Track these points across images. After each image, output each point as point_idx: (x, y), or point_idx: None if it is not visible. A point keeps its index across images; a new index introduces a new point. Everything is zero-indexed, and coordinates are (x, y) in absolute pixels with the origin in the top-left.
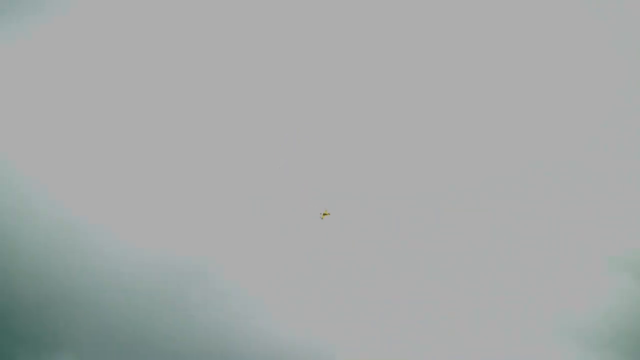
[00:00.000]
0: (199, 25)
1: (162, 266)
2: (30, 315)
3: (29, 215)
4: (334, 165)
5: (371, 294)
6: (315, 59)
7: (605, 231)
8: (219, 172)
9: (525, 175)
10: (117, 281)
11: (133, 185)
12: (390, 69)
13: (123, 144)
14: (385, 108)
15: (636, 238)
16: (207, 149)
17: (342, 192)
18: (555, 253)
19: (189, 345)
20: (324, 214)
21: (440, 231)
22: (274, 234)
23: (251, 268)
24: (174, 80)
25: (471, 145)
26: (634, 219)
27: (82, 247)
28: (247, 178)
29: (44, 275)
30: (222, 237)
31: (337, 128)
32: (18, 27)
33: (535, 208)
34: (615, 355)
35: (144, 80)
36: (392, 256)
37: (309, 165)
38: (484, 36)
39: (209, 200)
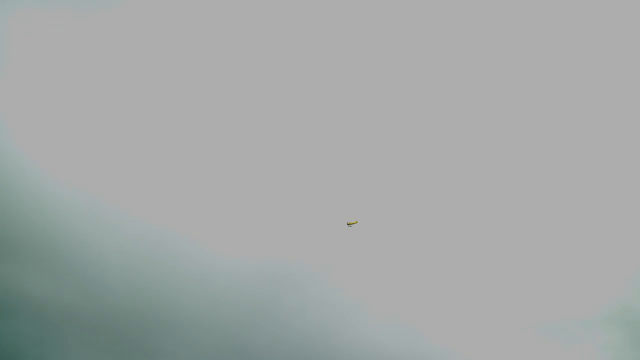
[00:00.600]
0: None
1: (255, 274)
2: (125, 329)
3: (119, 229)
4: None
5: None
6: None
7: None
8: (309, 178)
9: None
10: (210, 292)
11: (222, 193)
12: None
13: (208, 153)
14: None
15: None
16: (296, 157)
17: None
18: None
19: (286, 353)
20: (351, 223)
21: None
22: (370, 237)
23: (350, 272)
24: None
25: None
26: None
27: (172, 258)
28: (336, 185)
29: (137, 289)
30: (317, 243)
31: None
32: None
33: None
34: (615, 339)
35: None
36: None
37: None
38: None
39: (302, 206)
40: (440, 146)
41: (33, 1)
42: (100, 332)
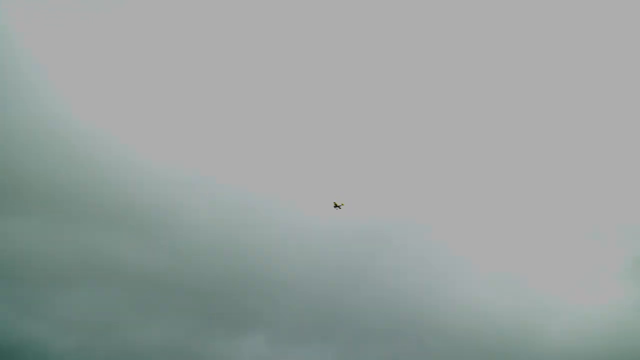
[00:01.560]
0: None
1: (350, 234)
2: (224, 296)
3: (211, 195)
4: None
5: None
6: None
7: None
8: (402, 134)
9: None
10: (303, 254)
11: (314, 154)
12: None
13: (295, 117)
14: None
15: None
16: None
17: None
18: None
19: (382, 315)
20: (338, 205)
21: None
22: (470, 192)
23: (450, 230)
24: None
25: None
26: None
27: (265, 222)
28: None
29: (229, 254)
30: (415, 200)
31: None
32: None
33: None
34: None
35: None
36: None
37: None
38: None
39: (397, 161)
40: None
41: None
42: (194, 296)
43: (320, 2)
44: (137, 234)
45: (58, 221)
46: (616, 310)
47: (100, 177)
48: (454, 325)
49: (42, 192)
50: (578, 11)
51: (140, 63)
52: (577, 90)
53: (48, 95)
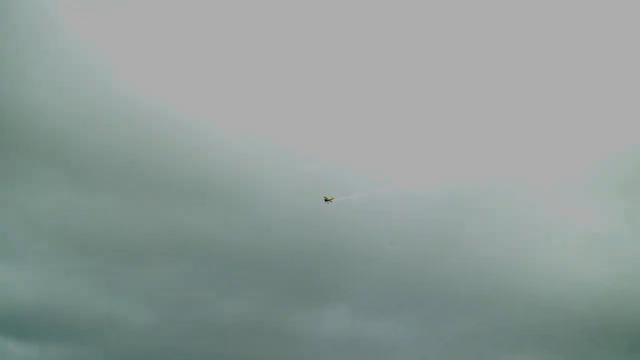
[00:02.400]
0: None
1: (436, 201)
2: (305, 269)
3: (289, 168)
4: None
5: None
6: None
7: None
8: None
9: None
10: (387, 224)
11: (395, 119)
12: None
13: (375, 84)
14: None
15: None
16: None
17: None
18: None
19: (470, 284)
20: (329, 199)
21: None
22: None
23: (540, 195)
24: None
25: None
26: None
27: (345, 193)
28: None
29: (309, 226)
30: (503, 164)
31: None
32: None
33: None
34: None
35: None
36: None
37: None
38: None
39: (486, 122)
40: None
41: None
42: (274, 270)
43: None
44: (217, 208)
45: (137, 197)
46: None
47: (179, 152)
48: (545, 294)
49: (121, 168)
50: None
51: (211, 37)
52: None
53: (122, 73)
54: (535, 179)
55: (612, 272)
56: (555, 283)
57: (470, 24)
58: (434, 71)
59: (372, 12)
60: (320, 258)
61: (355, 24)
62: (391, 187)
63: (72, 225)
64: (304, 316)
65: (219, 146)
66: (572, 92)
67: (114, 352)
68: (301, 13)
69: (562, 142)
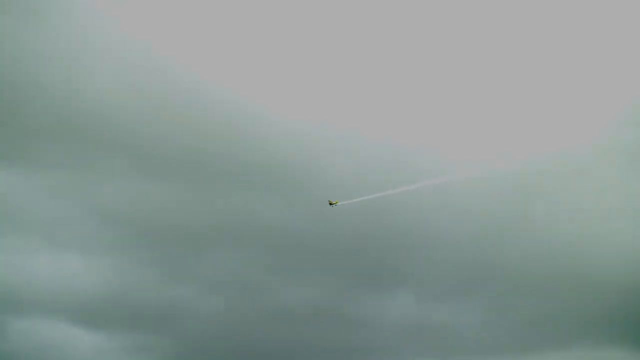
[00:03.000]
0: None
1: (498, 183)
2: (371, 254)
3: (349, 151)
4: None
5: None
6: None
7: None
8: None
9: None
10: (454, 208)
11: (461, 99)
12: None
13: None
14: None
15: None
16: None
17: None
18: None
19: (535, 268)
20: (333, 203)
21: None
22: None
23: (605, 175)
24: None
25: None
26: None
27: (408, 175)
28: None
29: (370, 210)
30: (565, 143)
31: None
32: None
33: None
34: None
35: None
36: None
37: None
38: None
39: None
40: None
41: None
42: (340, 255)
43: None
44: (282, 194)
45: (203, 185)
46: None
47: (243, 140)
48: (617, 279)
49: (187, 157)
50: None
51: (271, 22)
52: None
53: (186, 64)
54: (600, 158)
55: None
56: (627, 267)
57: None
58: (494, 53)
59: None
60: (386, 243)
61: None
62: (458, 169)
63: (139, 214)
64: (369, 301)
65: (284, 132)
66: None
67: (181, 340)
68: None
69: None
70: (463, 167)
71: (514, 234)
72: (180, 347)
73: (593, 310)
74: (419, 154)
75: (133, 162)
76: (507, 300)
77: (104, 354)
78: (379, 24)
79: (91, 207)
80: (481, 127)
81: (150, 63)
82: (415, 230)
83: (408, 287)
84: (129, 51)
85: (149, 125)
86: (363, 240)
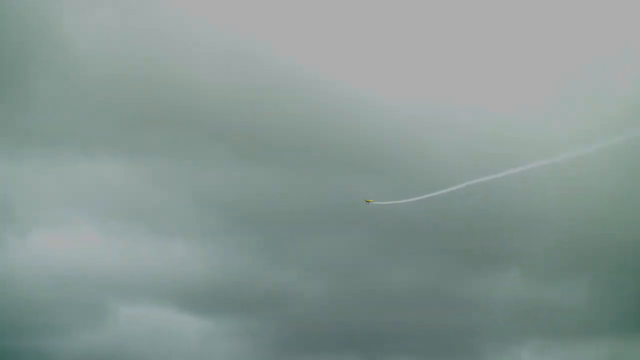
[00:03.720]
0: None
1: (608, 160)
2: (477, 233)
3: (458, 128)
4: None
5: None
6: None
7: None
8: None
9: None
10: (563, 183)
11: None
12: None
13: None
14: None
15: None
16: None
17: None
18: None
19: None
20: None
21: None
22: None
23: None
24: None
25: None
26: None
27: (522, 152)
28: None
29: (486, 191)
30: None
31: None
32: None
33: None
34: None
35: None
36: None
37: None
38: None
39: None
40: None
41: None
42: (443, 236)
43: None
44: (384, 176)
45: (304, 169)
46: None
47: (344, 122)
48: None
49: (287, 142)
50: None
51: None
52: None
53: (284, 49)
54: None
55: None
56: None
57: None
58: None
59: None
60: (493, 221)
61: None
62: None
63: (241, 200)
64: (476, 282)
65: (383, 113)
66: None
67: (285, 323)
68: None
69: None
70: (575, 145)
71: (626, 210)
72: (286, 331)
73: None
74: (528, 130)
75: (235, 148)
76: (618, 276)
77: (211, 339)
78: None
79: (194, 193)
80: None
81: (249, 51)
82: (523, 208)
83: (516, 265)
84: (228, 40)
85: (249, 111)
86: (469, 219)
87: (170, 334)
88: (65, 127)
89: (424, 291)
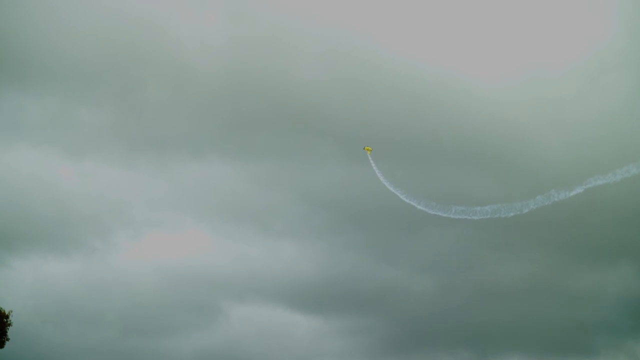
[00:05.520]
0: None
1: None
2: (586, 227)
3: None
4: None
5: None
6: None
7: None
8: None
9: None
10: None
11: None
12: None
13: None
14: None
15: None
16: None
17: None
18: None
19: None
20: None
21: None
22: None
23: None
24: None
25: None
26: None
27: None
28: None
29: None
30: None
31: None
32: None
33: None
34: None
35: None
36: None
37: None
38: None
39: None
40: None
41: None
42: (554, 230)
43: None
44: (490, 167)
45: (409, 163)
46: None
47: (446, 114)
48: None
49: (390, 138)
50: None
51: None
52: None
53: (382, 44)
54: None
55: None
56: None
57: None
58: None
59: None
60: (603, 213)
61: None
62: None
63: (349, 199)
64: (587, 276)
65: (485, 104)
66: None
67: (394, 320)
68: None
69: None
70: None
71: None
72: (395, 328)
73: None
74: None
75: (342, 147)
76: None
77: (322, 337)
78: None
79: (302, 193)
80: None
81: (354, 52)
82: (635, 199)
83: (628, 259)
84: (333, 42)
85: (357, 108)
86: (578, 211)
87: (281, 333)
88: (176, 131)
89: (535, 286)
